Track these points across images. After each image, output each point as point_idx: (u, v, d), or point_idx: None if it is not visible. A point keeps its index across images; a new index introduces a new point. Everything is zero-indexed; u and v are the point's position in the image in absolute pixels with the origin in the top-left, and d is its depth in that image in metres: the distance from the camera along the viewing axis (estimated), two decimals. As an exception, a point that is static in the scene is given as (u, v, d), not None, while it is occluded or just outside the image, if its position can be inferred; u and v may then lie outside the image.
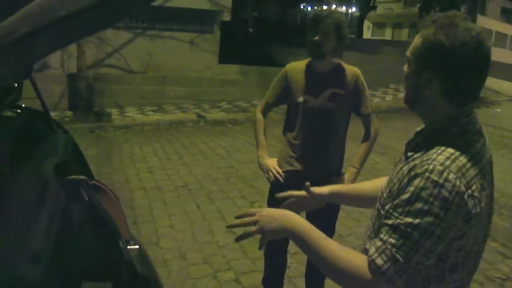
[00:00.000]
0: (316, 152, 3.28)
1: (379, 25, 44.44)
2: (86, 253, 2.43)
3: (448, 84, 1.51)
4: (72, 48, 10.84)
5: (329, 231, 3.44)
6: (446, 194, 1.38)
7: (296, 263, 4.32)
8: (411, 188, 1.43)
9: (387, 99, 14.36)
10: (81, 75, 10.84)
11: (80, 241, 2.48)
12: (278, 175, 3.29)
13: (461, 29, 1.47)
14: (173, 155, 8.39)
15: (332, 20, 3.09)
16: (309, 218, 3.41)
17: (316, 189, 2.16)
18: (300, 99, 3.24)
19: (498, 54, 28.54)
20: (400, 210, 1.44)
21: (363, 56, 16.43)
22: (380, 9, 37.58)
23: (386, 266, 1.42)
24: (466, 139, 1.50)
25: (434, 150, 1.48)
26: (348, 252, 1.53)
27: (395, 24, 40.00)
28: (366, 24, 37.89)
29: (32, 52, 1.75)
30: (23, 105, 2.71)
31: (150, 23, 12.89)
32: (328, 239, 1.58)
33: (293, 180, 3.24)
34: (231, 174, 7.31)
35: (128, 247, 2.72)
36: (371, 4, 27.20)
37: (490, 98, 16.43)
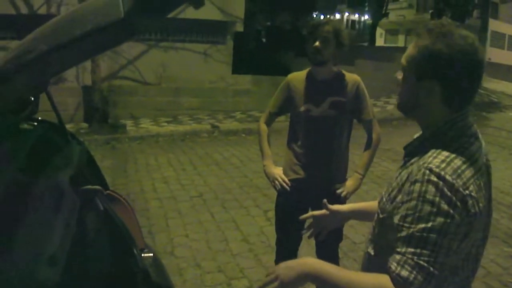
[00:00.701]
0: (320, 160, 3.30)
1: (392, 32, 44.31)
2: (101, 260, 2.48)
3: (448, 91, 1.54)
4: (87, 61, 10.99)
5: (335, 238, 3.46)
6: (448, 193, 1.42)
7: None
8: (415, 195, 1.46)
9: (401, 106, 14.13)
10: (95, 88, 10.98)
11: (95, 249, 2.53)
12: (284, 184, 3.33)
13: (458, 37, 1.51)
14: (188, 166, 8.45)
15: (331, 27, 3.12)
16: None
17: (335, 206, 2.18)
18: (302, 108, 3.27)
19: (511, 58, 28.36)
20: (410, 219, 1.46)
21: (376, 64, 16.38)
22: (392, 16, 37.50)
23: (412, 275, 1.43)
24: (462, 142, 1.54)
25: (429, 154, 1.52)
26: (368, 275, 1.57)
27: (408, 30, 39.91)
28: (379, 31, 37.77)
29: (49, 69, 1.82)
30: (40, 118, 2.78)
31: (163, 35, 13.04)
32: (346, 270, 1.61)
33: (298, 188, 3.31)
34: (245, 183, 7.35)
35: (143, 255, 2.76)
36: (384, 11, 27.15)
37: (504, 103, 16.29)
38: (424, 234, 1.42)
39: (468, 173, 1.48)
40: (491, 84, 18.62)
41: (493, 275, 4.51)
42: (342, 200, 3.31)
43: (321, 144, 3.30)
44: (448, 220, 1.41)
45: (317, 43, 3.12)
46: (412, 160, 1.59)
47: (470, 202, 1.44)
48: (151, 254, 2.91)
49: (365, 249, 1.82)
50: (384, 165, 8.10)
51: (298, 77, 3.38)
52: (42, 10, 11.76)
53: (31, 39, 1.66)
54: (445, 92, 1.55)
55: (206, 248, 5.05)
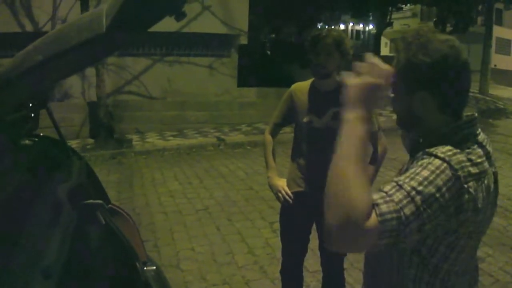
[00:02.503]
0: (323, 172, 3.22)
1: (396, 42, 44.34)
2: (103, 273, 2.49)
3: (440, 98, 1.55)
4: (92, 77, 11.08)
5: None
6: (450, 173, 1.41)
7: (316, 281, 4.31)
8: (418, 163, 1.46)
9: (406, 115, 14.09)
10: (101, 103, 11.03)
11: (97, 262, 2.54)
12: (287, 197, 3.29)
13: (437, 43, 1.52)
14: (194, 179, 8.46)
15: (332, 38, 3.06)
16: (321, 233, 3.43)
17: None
18: (305, 119, 3.24)
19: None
20: (406, 174, 1.43)
21: (381, 73, 16.34)
22: (396, 25, 37.52)
23: (389, 216, 1.34)
24: (467, 146, 1.53)
25: (433, 149, 1.50)
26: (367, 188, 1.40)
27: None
28: (384, 41, 37.79)
29: (45, 78, 1.84)
30: (41, 134, 2.81)
31: (168, 49, 13.09)
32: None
33: (301, 200, 3.28)
34: (250, 195, 7.35)
35: (145, 268, 2.77)
36: (388, 21, 27.14)
37: (510, 109, 16.26)
38: (413, 193, 1.36)
39: (472, 170, 1.47)
40: (497, 91, 18.62)
41: (502, 283, 4.48)
42: None
43: (323, 156, 3.23)
44: (437, 195, 1.37)
45: (320, 58, 3.09)
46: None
47: (465, 196, 1.43)
48: (154, 267, 2.91)
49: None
50: (390, 174, 8.05)
51: (301, 87, 3.34)
52: (47, 28, 11.86)
53: (27, 50, 1.70)
54: (437, 100, 1.55)
55: (212, 261, 5.04)
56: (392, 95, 1.64)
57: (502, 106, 16.36)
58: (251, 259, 5.05)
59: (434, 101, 1.55)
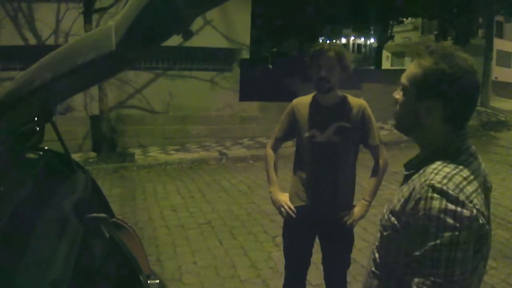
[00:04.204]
0: (325, 186, 3.24)
1: (398, 55, 44.37)
2: (107, 286, 2.50)
3: (449, 110, 1.58)
4: (95, 91, 11.13)
5: (343, 263, 3.44)
6: (452, 206, 1.44)
7: (318, 295, 4.31)
8: (420, 214, 1.49)
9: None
10: (103, 117, 11.06)
11: (101, 275, 2.55)
12: (289, 211, 3.29)
13: (459, 59, 1.56)
14: (196, 193, 8.46)
15: (333, 52, 3.08)
16: (324, 247, 3.44)
17: None
18: (307, 134, 3.24)
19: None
20: (420, 238, 1.48)
21: (383, 87, 16.35)
22: (398, 39, 37.59)
23: None
24: (461, 160, 1.57)
25: (430, 171, 1.54)
26: None
27: (414, 53, 39.84)
28: (385, 54, 37.87)
29: (53, 96, 1.86)
30: (46, 147, 2.83)
31: (170, 64, 13.15)
32: None
33: (304, 215, 3.28)
34: (253, 209, 7.34)
35: (149, 281, 2.77)
36: (389, 34, 27.23)
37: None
38: (436, 253, 1.43)
39: (470, 188, 1.50)
40: (498, 103, 18.62)
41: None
42: (348, 227, 3.30)
43: (326, 170, 3.25)
44: (456, 233, 1.42)
45: (323, 73, 3.10)
46: (413, 177, 1.61)
47: (475, 212, 1.46)
48: (157, 281, 2.91)
49: (368, 267, 1.82)
50: (392, 187, 8.05)
51: (302, 102, 3.35)
52: (50, 41, 11.93)
53: (35, 68, 1.72)
54: (445, 111, 1.58)
55: (214, 274, 5.03)
56: (399, 97, 1.67)
57: (503, 119, 16.36)
58: (253, 273, 5.04)
59: (441, 111, 1.58)
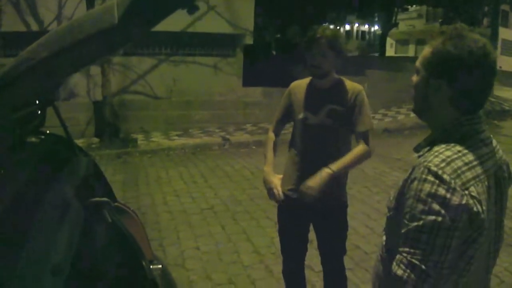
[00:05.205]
0: (315, 170, 3.09)
1: (402, 42, 44.31)
2: (109, 271, 2.49)
3: (455, 91, 1.56)
4: (98, 76, 11.09)
5: (337, 249, 3.43)
6: (443, 192, 1.44)
7: (321, 281, 4.28)
8: (412, 193, 1.50)
9: (411, 115, 14.14)
10: (106, 103, 11.04)
11: (104, 260, 2.54)
12: (277, 196, 3.26)
13: (468, 40, 1.53)
14: (199, 178, 8.47)
15: (325, 39, 3.04)
16: (317, 233, 3.42)
17: None
18: (301, 115, 3.23)
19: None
20: (407, 216, 1.50)
21: (387, 74, 16.34)
22: (402, 26, 37.48)
23: (406, 274, 1.47)
24: (467, 145, 1.54)
25: (432, 153, 1.54)
26: None
27: (418, 40, 39.77)
28: (389, 41, 37.75)
29: (53, 73, 1.84)
30: (48, 131, 2.81)
31: (173, 49, 13.08)
32: None
33: (294, 199, 3.25)
34: (255, 195, 7.32)
35: (151, 266, 2.77)
36: (393, 22, 27.15)
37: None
38: (417, 233, 1.45)
39: (469, 174, 1.48)
40: (503, 92, 18.53)
41: (507, 284, 4.46)
42: (340, 214, 3.29)
43: (316, 153, 3.21)
44: (440, 219, 1.43)
45: (316, 60, 3.09)
46: (419, 160, 1.60)
47: (470, 201, 1.45)
48: (160, 266, 2.91)
49: (379, 251, 1.82)
50: (395, 174, 8.05)
51: (300, 85, 3.36)
52: (53, 27, 11.86)
53: (33, 47, 1.69)
54: (452, 93, 1.57)
55: (217, 260, 5.04)
56: (415, 79, 1.66)
57: (507, 108, 16.28)
58: (256, 258, 5.05)
59: (447, 92, 1.57)
